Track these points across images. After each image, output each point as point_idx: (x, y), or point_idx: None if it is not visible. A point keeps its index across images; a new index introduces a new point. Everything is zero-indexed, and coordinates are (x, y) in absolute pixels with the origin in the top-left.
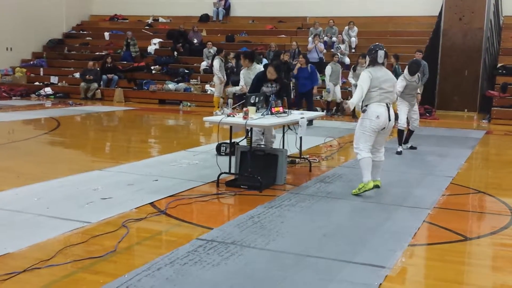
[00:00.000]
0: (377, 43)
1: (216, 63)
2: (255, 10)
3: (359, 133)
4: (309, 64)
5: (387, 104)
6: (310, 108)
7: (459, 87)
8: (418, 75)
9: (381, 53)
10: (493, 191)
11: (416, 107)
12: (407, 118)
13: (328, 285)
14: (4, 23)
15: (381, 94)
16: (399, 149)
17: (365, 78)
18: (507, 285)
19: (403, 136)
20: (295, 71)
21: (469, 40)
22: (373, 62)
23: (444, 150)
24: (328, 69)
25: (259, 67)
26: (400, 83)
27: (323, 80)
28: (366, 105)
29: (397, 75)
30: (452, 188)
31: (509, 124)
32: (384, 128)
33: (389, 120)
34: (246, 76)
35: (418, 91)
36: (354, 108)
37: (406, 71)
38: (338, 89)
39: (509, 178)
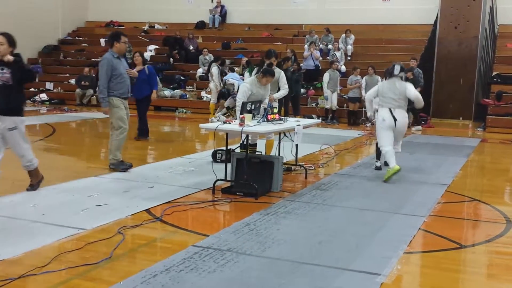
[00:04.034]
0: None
1: (215, 70)
2: (251, 18)
3: (377, 133)
4: (147, 65)
5: (390, 109)
6: (144, 120)
7: (454, 95)
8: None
9: (397, 67)
10: (488, 199)
11: None
12: None
13: None
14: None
15: (383, 101)
16: (378, 164)
17: (373, 89)
18: None
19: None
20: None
21: (464, 48)
22: (390, 75)
23: (439, 158)
24: (326, 76)
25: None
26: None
27: (321, 87)
28: (377, 110)
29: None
30: (447, 196)
31: (504, 132)
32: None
33: (395, 120)
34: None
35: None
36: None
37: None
38: (335, 97)
39: (504, 186)
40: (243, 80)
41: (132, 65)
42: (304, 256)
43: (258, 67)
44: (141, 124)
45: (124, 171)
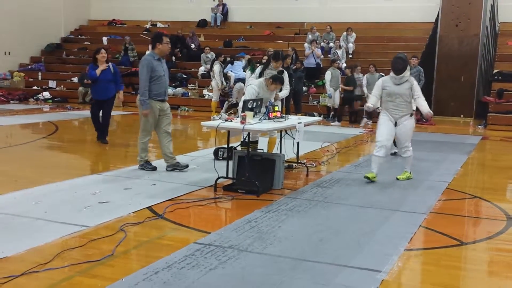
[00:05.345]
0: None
1: (217, 68)
2: (252, 16)
3: (411, 133)
4: (110, 63)
5: None
6: (107, 122)
7: (456, 93)
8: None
9: None
10: (489, 196)
11: None
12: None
13: None
14: (3, 28)
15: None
16: (394, 150)
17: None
18: None
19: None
20: (97, 72)
21: (465, 46)
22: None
23: (440, 156)
24: (328, 75)
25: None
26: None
27: (322, 85)
28: (416, 108)
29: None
30: (448, 193)
31: (505, 130)
32: None
33: None
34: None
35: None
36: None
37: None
38: (337, 95)
39: (505, 183)
40: (244, 72)
41: (94, 63)
42: (305, 253)
43: (263, 67)
44: (104, 126)
45: (152, 170)
